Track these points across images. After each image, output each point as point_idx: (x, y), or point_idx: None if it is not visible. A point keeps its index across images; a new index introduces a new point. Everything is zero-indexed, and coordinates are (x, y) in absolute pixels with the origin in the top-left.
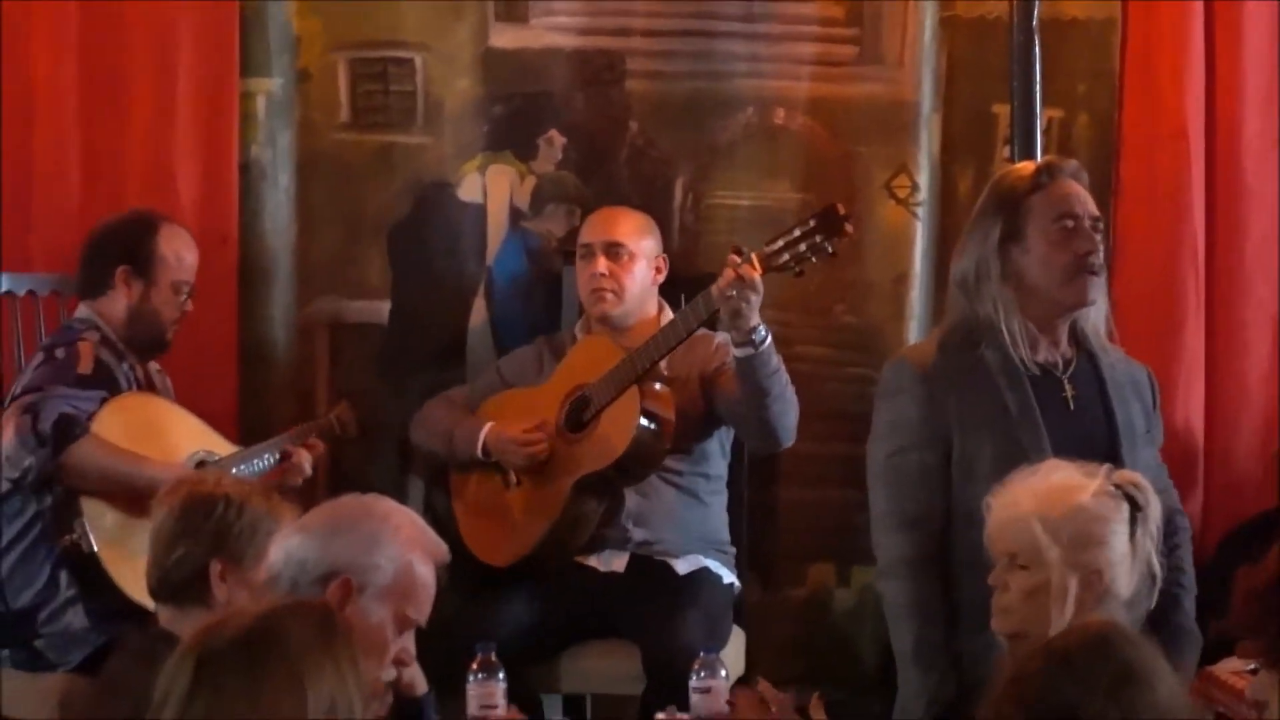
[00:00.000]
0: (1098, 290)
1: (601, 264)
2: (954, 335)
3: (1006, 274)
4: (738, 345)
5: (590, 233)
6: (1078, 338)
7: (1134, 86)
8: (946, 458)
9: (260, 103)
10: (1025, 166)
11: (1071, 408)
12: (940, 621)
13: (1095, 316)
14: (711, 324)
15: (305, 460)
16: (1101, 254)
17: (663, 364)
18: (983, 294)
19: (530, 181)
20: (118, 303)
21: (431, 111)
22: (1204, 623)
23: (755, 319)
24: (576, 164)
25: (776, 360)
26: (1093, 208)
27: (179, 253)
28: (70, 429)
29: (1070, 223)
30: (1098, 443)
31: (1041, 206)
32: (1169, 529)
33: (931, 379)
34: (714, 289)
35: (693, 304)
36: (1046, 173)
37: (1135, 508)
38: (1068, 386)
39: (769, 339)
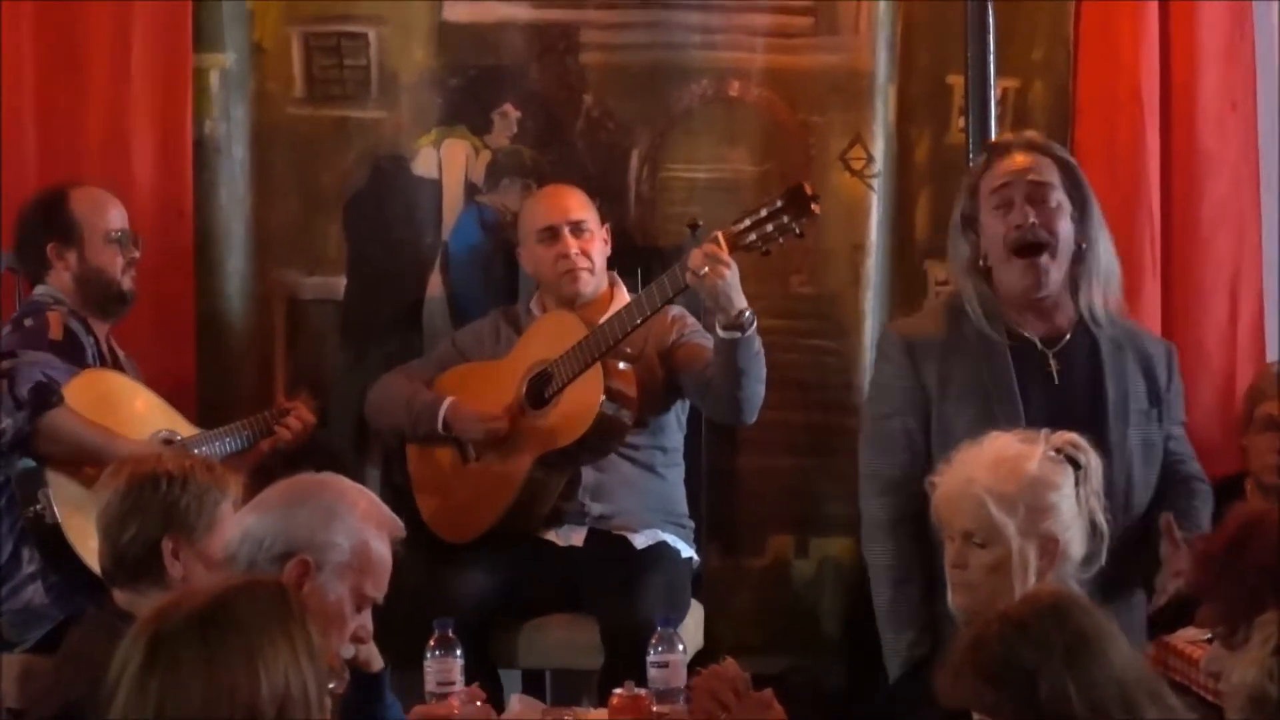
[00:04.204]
0: (1046, 272)
1: (573, 243)
2: (946, 307)
3: (974, 258)
4: (725, 328)
5: (550, 215)
6: (1080, 312)
7: (1089, 51)
8: (927, 424)
9: (214, 77)
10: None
11: (1056, 381)
12: (916, 583)
13: (1090, 293)
14: (670, 302)
15: (293, 427)
16: (1050, 224)
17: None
18: (956, 274)
19: (485, 156)
20: (62, 276)
21: (386, 85)
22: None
23: (741, 301)
24: (531, 137)
25: (759, 342)
26: (1038, 175)
27: (96, 208)
28: (47, 396)
29: (1006, 193)
30: (1081, 417)
31: (985, 188)
32: (1187, 491)
33: (914, 347)
34: (679, 269)
35: (658, 282)
36: (992, 151)
37: (1076, 468)
38: (1053, 361)
39: (755, 322)
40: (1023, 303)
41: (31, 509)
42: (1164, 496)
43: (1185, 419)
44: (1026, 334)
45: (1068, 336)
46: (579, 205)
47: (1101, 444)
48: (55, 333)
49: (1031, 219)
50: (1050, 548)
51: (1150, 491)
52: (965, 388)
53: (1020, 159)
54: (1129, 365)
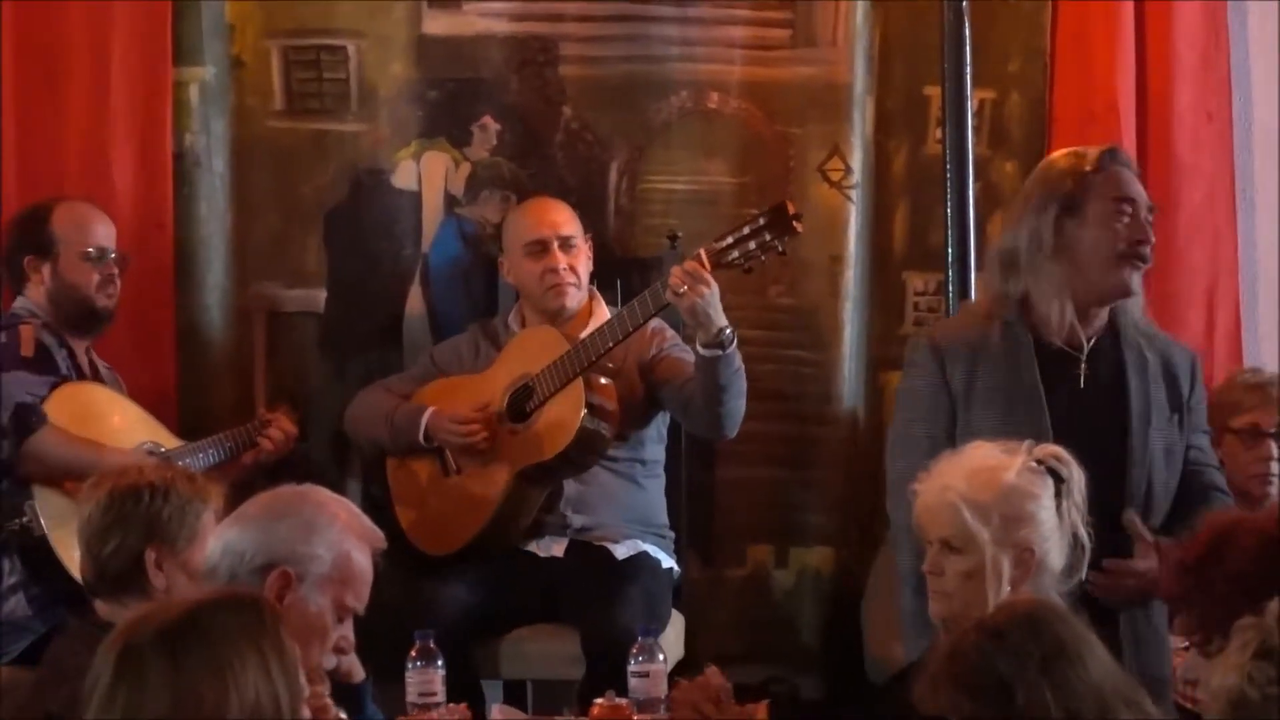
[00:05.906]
0: (1139, 282)
1: (561, 258)
2: (976, 310)
3: (1059, 248)
4: (705, 346)
5: (539, 228)
6: (1111, 320)
7: (1065, 63)
8: (953, 429)
9: (194, 91)
10: (1087, 149)
11: (1082, 386)
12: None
13: (1134, 306)
14: (652, 318)
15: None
16: (1151, 247)
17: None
18: (1034, 267)
19: (465, 168)
20: (38, 290)
21: (365, 98)
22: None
23: (721, 319)
24: (511, 149)
25: (739, 359)
26: (1148, 199)
27: (78, 224)
28: (28, 418)
29: (1129, 207)
30: (1105, 424)
31: (1104, 186)
32: (1205, 500)
33: (942, 351)
34: (660, 285)
35: (640, 298)
36: (1111, 156)
37: (1058, 480)
38: (1083, 366)
39: (736, 340)
40: (1088, 307)
41: (18, 521)
42: (1183, 505)
43: (1209, 429)
44: (1053, 338)
45: (1093, 342)
46: (567, 219)
47: (1125, 450)
48: (26, 349)
49: (1153, 239)
50: (1026, 558)
51: (1170, 498)
52: (990, 391)
53: (1134, 178)
54: (1152, 371)
